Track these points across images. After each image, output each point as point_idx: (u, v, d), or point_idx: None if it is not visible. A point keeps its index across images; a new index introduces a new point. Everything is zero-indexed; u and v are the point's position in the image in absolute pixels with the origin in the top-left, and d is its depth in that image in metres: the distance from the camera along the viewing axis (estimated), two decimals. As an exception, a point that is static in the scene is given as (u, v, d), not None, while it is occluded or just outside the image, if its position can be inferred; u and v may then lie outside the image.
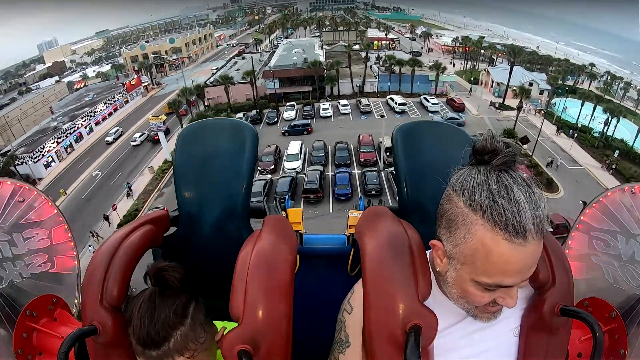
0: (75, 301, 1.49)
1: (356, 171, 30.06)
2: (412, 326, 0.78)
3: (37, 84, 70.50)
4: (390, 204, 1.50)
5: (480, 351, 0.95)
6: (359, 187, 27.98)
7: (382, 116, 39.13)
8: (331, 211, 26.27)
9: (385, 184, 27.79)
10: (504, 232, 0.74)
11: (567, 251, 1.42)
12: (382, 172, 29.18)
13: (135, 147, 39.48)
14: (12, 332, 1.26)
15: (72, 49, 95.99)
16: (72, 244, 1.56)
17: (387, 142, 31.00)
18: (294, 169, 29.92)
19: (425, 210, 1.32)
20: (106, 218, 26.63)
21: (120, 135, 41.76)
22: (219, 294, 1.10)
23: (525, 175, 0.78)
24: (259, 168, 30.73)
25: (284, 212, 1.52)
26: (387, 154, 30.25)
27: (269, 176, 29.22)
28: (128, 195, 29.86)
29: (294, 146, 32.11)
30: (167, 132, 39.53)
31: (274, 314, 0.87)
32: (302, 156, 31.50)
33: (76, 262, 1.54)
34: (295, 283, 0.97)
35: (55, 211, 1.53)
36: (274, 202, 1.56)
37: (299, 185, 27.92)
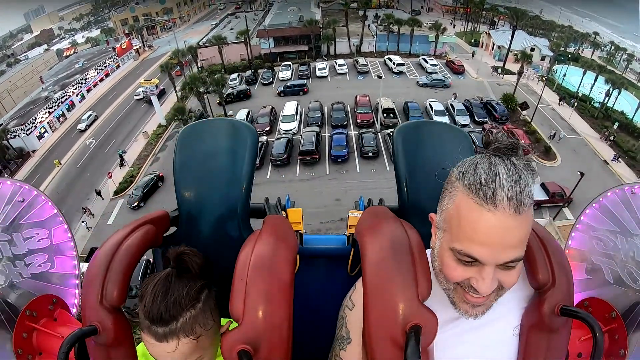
0: (75, 301, 1.49)
1: (353, 132, 29.66)
2: (412, 326, 0.79)
3: (25, 54, 68.50)
4: (388, 203, 1.48)
5: (479, 349, 0.95)
6: (355, 149, 27.65)
7: (379, 77, 38.56)
8: (327, 173, 26.09)
9: (382, 146, 27.43)
10: (475, 196, 0.78)
11: (567, 251, 1.42)
12: (379, 134, 28.71)
13: (139, 101, 39.23)
14: (12, 332, 1.26)
15: (60, 15, 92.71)
16: (72, 244, 1.55)
17: (385, 104, 30.48)
18: (290, 130, 29.56)
19: (425, 210, 1.28)
20: (98, 192, 25.97)
21: (94, 121, 37.95)
22: (219, 294, 1.10)
23: (519, 162, 0.81)
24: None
25: (284, 212, 1.52)
26: (385, 115, 29.75)
27: (265, 137, 28.91)
28: (121, 165, 29.16)
29: (289, 107, 31.58)
30: (162, 94, 38.97)
31: (274, 314, 0.87)
32: (298, 117, 31.04)
33: (76, 262, 1.54)
34: (295, 283, 0.96)
35: (55, 211, 1.52)
36: (274, 202, 1.55)
37: (295, 146, 27.64)
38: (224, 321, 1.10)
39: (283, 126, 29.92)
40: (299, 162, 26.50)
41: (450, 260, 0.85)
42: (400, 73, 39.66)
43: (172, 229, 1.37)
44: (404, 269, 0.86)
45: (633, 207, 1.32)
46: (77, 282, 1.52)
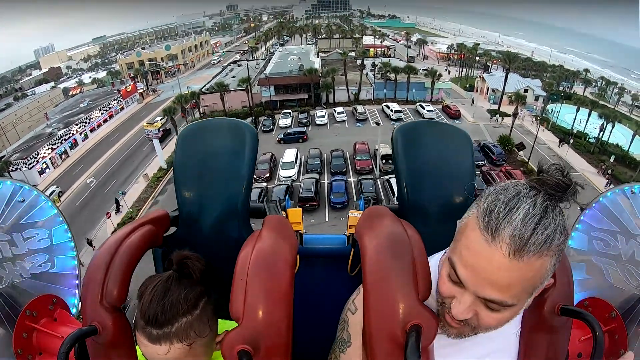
0: (75, 301, 1.48)
1: (352, 179, 29.97)
2: (412, 326, 0.78)
3: (32, 89, 70.20)
4: (389, 204, 1.53)
5: (482, 354, 0.95)
6: (355, 195, 27.90)
7: (377, 123, 39.24)
8: (327, 219, 26.15)
9: (382, 192, 27.75)
10: (481, 221, 0.73)
11: (567, 251, 1.40)
12: (379, 180, 29.15)
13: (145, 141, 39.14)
14: (12, 332, 1.26)
15: (69, 54, 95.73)
16: (72, 244, 1.55)
17: (383, 150, 31.02)
18: (290, 177, 29.78)
19: (425, 210, 1.32)
20: (89, 242, 25.44)
21: (59, 196, 32.60)
22: (219, 296, 1.09)
23: (556, 208, 0.73)
24: (254, 176, 30.24)
25: (284, 212, 1.52)
26: (383, 161, 30.25)
27: (265, 184, 29.08)
28: (117, 211, 28.64)
29: (289, 154, 31.97)
30: (167, 135, 39.65)
31: (274, 314, 0.87)
32: (297, 164, 31.36)
33: (76, 262, 1.54)
34: (295, 283, 0.96)
35: (55, 211, 1.53)
36: (274, 202, 1.56)
37: (295, 193, 27.77)
38: (222, 327, 1.06)
39: (283, 173, 30.16)
40: (298, 209, 26.57)
41: (445, 272, 0.84)
42: (398, 119, 40.38)
43: (172, 229, 1.37)
44: (404, 268, 0.86)
45: (633, 207, 1.32)
46: (77, 282, 1.51)
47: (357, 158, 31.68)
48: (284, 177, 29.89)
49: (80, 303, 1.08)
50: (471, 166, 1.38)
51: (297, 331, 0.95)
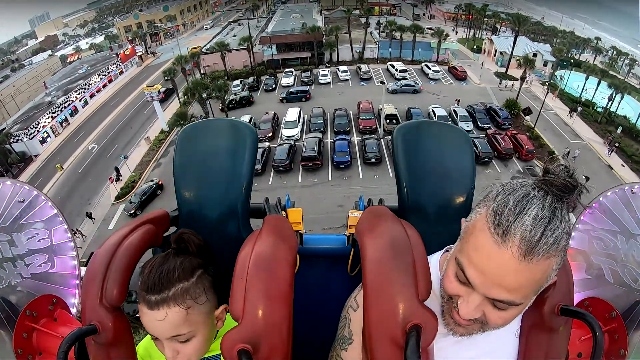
0: (75, 301, 1.49)
1: (355, 138, 29.62)
2: (412, 326, 0.79)
3: (29, 59, 68.95)
4: (389, 201, 1.49)
5: (482, 353, 0.96)
6: (358, 155, 27.54)
7: (382, 82, 38.40)
8: (330, 179, 25.96)
9: (385, 152, 27.30)
10: (491, 222, 0.75)
11: (567, 251, 1.16)
12: (382, 140, 28.62)
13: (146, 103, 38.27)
14: (12, 332, 1.26)
15: (65, 21, 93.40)
16: (72, 244, 1.55)
17: (387, 110, 30.40)
18: (292, 136, 29.50)
19: (425, 210, 1.33)
20: (89, 215, 25.16)
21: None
22: (218, 279, 1.12)
23: (563, 208, 0.74)
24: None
25: (284, 212, 1.51)
26: (387, 121, 29.67)
27: (267, 144, 28.87)
28: (117, 179, 28.20)
29: (292, 113, 31.58)
30: (170, 94, 39.32)
31: (273, 314, 0.87)
32: (300, 123, 30.99)
33: (76, 262, 1.54)
34: (295, 283, 0.97)
35: (55, 211, 1.52)
36: (274, 202, 1.54)
37: (298, 152, 27.56)
38: (223, 327, 1.12)
39: (285, 132, 29.87)
40: (301, 168, 26.38)
41: (451, 271, 0.85)
42: (403, 79, 39.56)
43: (172, 229, 1.37)
44: (404, 268, 0.86)
45: (633, 207, 1.33)
46: (77, 282, 1.52)
47: (361, 117, 31.23)
48: (286, 136, 29.61)
49: (80, 303, 1.08)
50: (471, 166, 1.38)
51: (297, 331, 0.96)
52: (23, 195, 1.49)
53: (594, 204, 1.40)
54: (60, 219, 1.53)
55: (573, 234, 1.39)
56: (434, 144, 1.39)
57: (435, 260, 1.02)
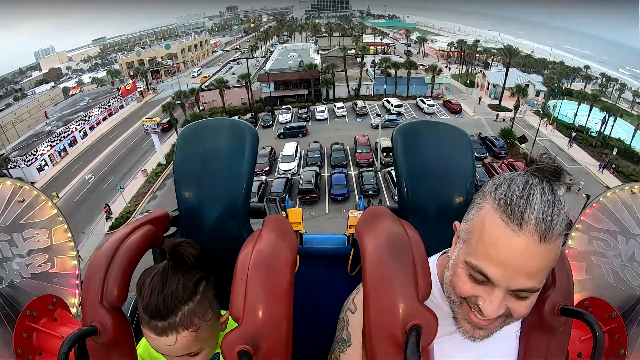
0: (75, 301, 1.49)
1: (353, 172, 29.79)
2: (412, 326, 0.79)
3: (32, 89, 70.11)
4: (389, 204, 1.43)
5: (482, 354, 0.95)
6: (355, 188, 27.69)
7: (378, 115, 39.16)
8: (327, 212, 25.90)
9: (383, 184, 27.49)
10: (503, 212, 0.75)
11: (567, 251, 1.42)
12: (380, 173, 28.90)
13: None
14: (12, 332, 1.26)
15: (69, 55, 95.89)
16: (72, 244, 1.56)
17: (384, 143, 30.86)
18: (289, 170, 29.62)
19: (425, 210, 1.33)
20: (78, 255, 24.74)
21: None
22: (219, 286, 1.11)
23: (558, 188, 0.77)
24: (253, 170, 30.30)
25: (284, 212, 1.52)
26: (384, 154, 30.09)
27: (264, 177, 28.90)
28: (107, 218, 27.66)
29: (289, 147, 31.87)
30: (169, 129, 39.57)
31: (274, 314, 0.87)
32: (297, 157, 31.22)
33: (76, 262, 1.54)
34: (295, 283, 0.96)
35: (55, 211, 1.53)
36: (274, 202, 1.55)
37: (295, 186, 27.61)
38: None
39: (282, 166, 30.02)
40: (298, 202, 26.35)
41: (463, 272, 0.83)
42: (399, 114, 40.26)
43: (172, 229, 1.37)
44: (404, 268, 0.86)
45: (633, 207, 1.33)
46: (77, 282, 1.51)
47: (358, 151, 31.54)
48: (283, 170, 29.72)
49: (80, 303, 1.08)
50: (471, 166, 1.38)
51: (297, 331, 0.95)
52: (23, 195, 1.48)
53: (594, 204, 1.40)
54: (61, 218, 1.53)
55: (573, 234, 1.41)
56: (434, 144, 1.39)
57: (432, 262, 1.01)
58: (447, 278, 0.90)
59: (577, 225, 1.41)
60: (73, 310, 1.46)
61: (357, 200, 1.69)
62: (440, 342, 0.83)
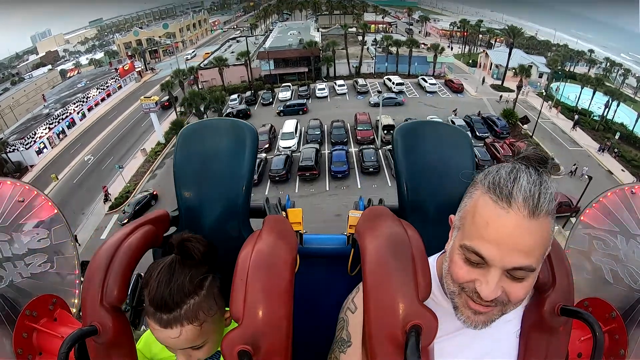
0: (75, 301, 1.49)
1: (353, 149, 29.52)
2: (412, 326, 0.79)
3: (29, 73, 69.35)
4: (389, 200, 1.50)
5: (482, 354, 0.96)
6: (356, 165, 27.43)
7: (379, 92, 38.76)
8: (327, 189, 25.76)
9: (383, 162, 27.20)
10: (492, 193, 0.79)
11: (567, 251, 1.41)
12: (380, 150, 28.59)
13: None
14: (12, 332, 1.26)
15: (66, 38, 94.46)
16: (72, 244, 1.55)
17: (385, 120, 30.49)
18: (289, 147, 29.44)
19: (425, 210, 1.33)
20: (75, 238, 24.22)
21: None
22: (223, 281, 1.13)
23: (545, 172, 0.82)
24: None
25: (284, 212, 1.52)
26: (385, 131, 29.73)
27: (263, 155, 28.69)
28: (105, 200, 27.52)
29: (289, 125, 31.61)
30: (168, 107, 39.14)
31: (274, 315, 0.87)
32: (297, 135, 30.99)
33: (76, 262, 1.54)
34: (296, 283, 0.97)
35: (55, 211, 1.52)
36: (274, 202, 1.54)
37: (295, 163, 27.42)
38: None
39: (282, 143, 29.82)
40: (298, 178, 26.21)
41: (459, 258, 0.85)
42: (400, 92, 39.96)
43: (172, 229, 1.37)
44: (404, 268, 0.86)
45: (633, 207, 1.33)
46: (77, 282, 1.52)
47: (359, 128, 31.29)
48: (283, 147, 29.53)
49: (80, 303, 1.08)
50: (471, 166, 1.37)
51: (297, 331, 0.96)
52: (23, 195, 1.48)
53: (594, 204, 1.40)
54: (61, 218, 1.53)
55: (573, 234, 1.42)
56: (434, 144, 1.39)
57: (432, 262, 1.00)
58: (445, 269, 0.91)
59: (577, 226, 1.41)
60: (73, 310, 1.46)
61: (357, 200, 1.68)
62: (440, 341, 0.83)
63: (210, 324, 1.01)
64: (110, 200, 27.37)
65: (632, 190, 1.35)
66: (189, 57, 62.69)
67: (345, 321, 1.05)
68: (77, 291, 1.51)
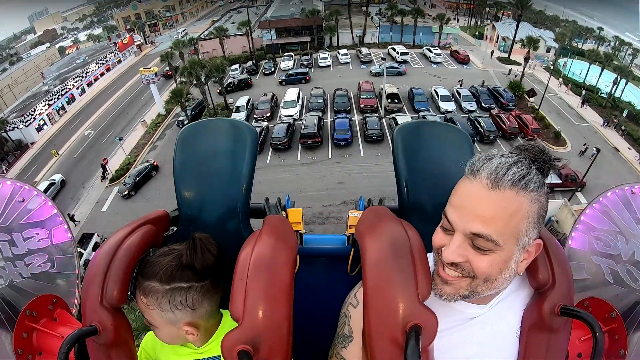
0: (75, 301, 1.48)
1: (356, 118, 28.93)
2: (412, 326, 0.80)
3: (27, 52, 68.40)
4: (389, 203, 1.49)
5: (481, 352, 0.96)
6: (359, 133, 26.88)
7: (383, 59, 38.20)
8: (330, 157, 25.37)
9: (387, 131, 26.57)
10: (467, 169, 0.85)
11: (567, 251, 1.40)
12: (384, 119, 27.91)
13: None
14: (12, 332, 1.26)
15: (63, 16, 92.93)
16: (72, 244, 1.54)
17: (389, 89, 29.75)
18: (291, 115, 28.98)
19: (425, 210, 1.34)
20: (72, 218, 23.11)
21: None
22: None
23: (532, 165, 0.83)
24: (255, 116, 29.62)
25: (284, 212, 1.52)
26: (389, 100, 28.97)
27: (265, 123, 28.23)
28: (103, 177, 26.92)
29: (291, 93, 31.07)
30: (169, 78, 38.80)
31: (274, 315, 0.88)
32: (299, 103, 30.47)
33: (76, 262, 1.53)
34: (295, 283, 0.97)
35: (55, 211, 1.50)
36: (274, 203, 1.53)
37: (297, 131, 26.99)
38: (224, 328, 1.14)
39: (284, 112, 29.34)
40: (300, 146, 25.78)
41: (439, 227, 0.90)
42: (404, 62, 39.18)
43: (172, 229, 1.36)
44: (404, 269, 0.86)
45: (633, 207, 1.31)
46: (77, 282, 1.50)
47: (362, 97, 30.75)
48: (285, 115, 29.06)
49: (80, 303, 1.09)
50: None
51: (297, 331, 0.97)
52: (23, 195, 1.46)
53: (594, 204, 1.37)
54: (60, 218, 1.50)
55: (573, 234, 1.38)
56: (434, 144, 1.37)
57: (432, 261, 0.99)
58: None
59: (577, 225, 1.40)
60: (73, 310, 1.45)
61: (357, 200, 1.67)
62: (438, 337, 0.82)
63: (159, 317, 1.03)
64: (106, 177, 26.80)
65: (632, 190, 1.32)
66: (180, 36, 55.42)
67: (347, 316, 1.04)
68: (77, 291, 1.49)
